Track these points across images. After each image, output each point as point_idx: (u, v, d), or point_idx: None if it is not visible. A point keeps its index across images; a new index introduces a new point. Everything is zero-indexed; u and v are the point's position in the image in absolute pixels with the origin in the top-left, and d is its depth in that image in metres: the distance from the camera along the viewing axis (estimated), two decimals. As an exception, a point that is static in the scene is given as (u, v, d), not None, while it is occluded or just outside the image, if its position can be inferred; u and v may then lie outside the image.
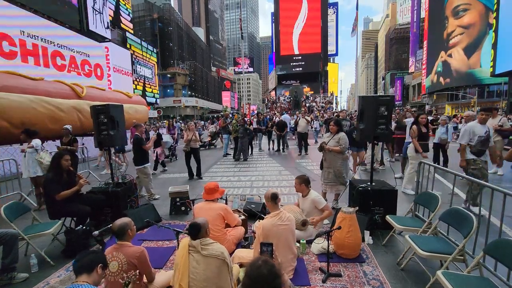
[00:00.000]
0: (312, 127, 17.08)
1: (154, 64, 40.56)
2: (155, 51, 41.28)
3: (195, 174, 7.16)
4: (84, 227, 3.39)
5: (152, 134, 9.26)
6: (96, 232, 2.59)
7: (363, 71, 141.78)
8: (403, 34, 68.32)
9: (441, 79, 39.82)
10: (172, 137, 10.86)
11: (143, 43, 37.81)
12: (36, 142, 5.27)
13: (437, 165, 3.95)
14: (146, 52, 38.27)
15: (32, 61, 13.47)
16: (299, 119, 10.93)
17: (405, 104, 52.93)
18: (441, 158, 7.04)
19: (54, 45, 15.23)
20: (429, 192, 3.29)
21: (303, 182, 3.56)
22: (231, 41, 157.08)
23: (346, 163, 4.53)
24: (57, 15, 18.33)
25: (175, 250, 3.28)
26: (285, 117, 13.59)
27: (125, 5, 33.66)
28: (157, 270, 2.82)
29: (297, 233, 3.10)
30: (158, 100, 42.47)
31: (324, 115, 20.04)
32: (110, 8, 29.31)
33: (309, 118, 11.88)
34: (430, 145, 5.96)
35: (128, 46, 32.37)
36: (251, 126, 10.74)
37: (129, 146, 9.00)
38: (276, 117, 15.26)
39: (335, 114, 16.87)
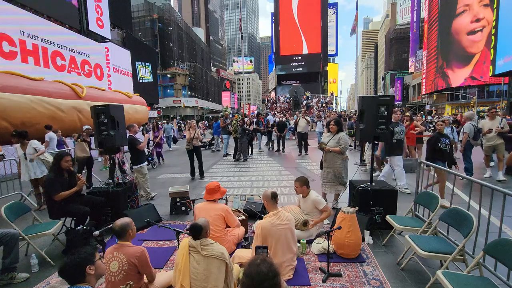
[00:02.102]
0: (312, 129, 16.83)
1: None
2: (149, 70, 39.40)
3: (197, 174, 7.19)
4: (84, 227, 3.40)
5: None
6: (97, 232, 2.59)
7: (363, 71, 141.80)
8: (403, 34, 68.30)
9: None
10: (153, 140, 9.54)
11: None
12: (35, 143, 5.22)
13: (437, 165, 3.95)
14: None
15: (32, 61, 13.47)
16: (299, 119, 10.93)
17: (404, 104, 52.94)
18: None
19: (54, 45, 15.23)
20: (429, 192, 3.30)
21: (304, 184, 3.56)
22: (231, 41, 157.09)
23: (345, 163, 4.54)
24: (57, 15, 18.33)
25: (176, 250, 3.29)
26: (269, 118, 13.50)
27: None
28: (157, 270, 2.83)
29: (297, 233, 3.10)
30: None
31: (322, 115, 19.92)
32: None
33: (308, 118, 11.84)
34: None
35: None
36: (251, 126, 10.75)
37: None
38: (276, 117, 15.24)
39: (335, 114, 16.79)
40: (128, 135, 5.55)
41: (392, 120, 5.28)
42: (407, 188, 5.32)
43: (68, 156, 3.66)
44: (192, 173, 7.17)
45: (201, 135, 7.31)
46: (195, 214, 3.19)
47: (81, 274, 1.69)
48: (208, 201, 3.22)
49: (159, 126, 11.82)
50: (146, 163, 5.60)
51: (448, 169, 3.82)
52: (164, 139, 12.91)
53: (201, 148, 7.71)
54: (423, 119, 17.33)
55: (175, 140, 15.01)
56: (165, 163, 10.04)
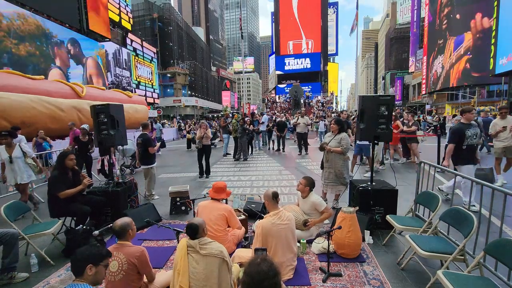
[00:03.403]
0: (311, 129, 16.63)
1: (152, 68, 40.73)
2: (154, 59, 41.16)
3: (204, 172, 7.29)
4: (84, 227, 3.39)
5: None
6: (96, 232, 2.59)
7: (363, 70, 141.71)
8: (403, 34, 68.28)
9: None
10: None
11: (145, 52, 38.00)
12: (25, 146, 4.91)
13: (437, 165, 3.94)
14: (145, 59, 38.53)
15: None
16: (298, 119, 10.87)
17: (404, 104, 52.91)
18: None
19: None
20: (430, 191, 3.29)
21: (309, 185, 3.54)
22: (231, 41, 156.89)
23: (347, 163, 4.53)
24: (57, 14, 18.33)
25: (175, 250, 3.28)
26: (265, 117, 13.48)
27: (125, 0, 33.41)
28: (157, 269, 2.83)
29: (297, 233, 3.10)
30: (157, 91, 42.35)
31: (322, 114, 19.88)
32: (112, 9, 29.22)
33: (308, 119, 11.79)
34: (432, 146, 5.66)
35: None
36: (251, 126, 10.75)
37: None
38: (276, 117, 15.21)
39: (336, 113, 16.73)
40: (142, 133, 5.57)
41: (464, 121, 4.33)
42: (474, 205, 3.87)
43: (72, 154, 3.68)
44: (201, 172, 7.28)
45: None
46: (198, 212, 3.18)
47: (81, 269, 1.70)
48: (212, 200, 3.22)
49: (154, 126, 11.38)
50: (155, 164, 5.58)
51: (449, 170, 3.82)
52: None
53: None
54: (420, 118, 17.23)
55: (162, 145, 12.54)
56: (165, 163, 10.02)
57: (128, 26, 33.92)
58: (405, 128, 7.94)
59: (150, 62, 39.84)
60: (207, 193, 3.47)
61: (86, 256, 1.74)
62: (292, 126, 13.60)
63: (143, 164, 5.48)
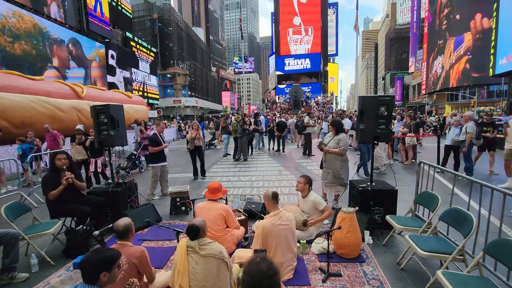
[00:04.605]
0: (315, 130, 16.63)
1: (152, 59, 40.74)
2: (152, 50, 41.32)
3: (199, 173, 7.28)
4: (84, 227, 3.39)
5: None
6: (97, 232, 2.59)
7: (363, 71, 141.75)
8: (403, 34, 68.25)
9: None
10: (139, 142, 8.70)
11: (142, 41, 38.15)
12: None
13: (437, 165, 3.95)
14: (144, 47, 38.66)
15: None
16: (308, 120, 10.78)
17: (404, 104, 52.91)
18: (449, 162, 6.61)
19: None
20: (429, 192, 3.30)
21: (308, 183, 3.55)
22: (231, 41, 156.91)
23: (345, 164, 4.53)
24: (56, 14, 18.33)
25: (175, 250, 3.28)
26: (262, 118, 13.43)
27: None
28: (157, 270, 2.83)
29: (297, 233, 3.10)
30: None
31: (322, 115, 19.87)
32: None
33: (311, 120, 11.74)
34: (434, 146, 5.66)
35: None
36: (251, 126, 10.75)
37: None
38: (276, 117, 15.22)
39: (333, 114, 16.72)
40: (152, 132, 5.58)
41: None
42: None
43: (61, 154, 3.59)
44: (195, 173, 7.24)
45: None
46: (196, 213, 3.19)
47: (95, 277, 1.64)
48: (209, 201, 3.22)
49: (148, 127, 11.15)
50: (159, 164, 5.49)
51: (449, 170, 3.82)
52: None
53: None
54: (421, 118, 17.16)
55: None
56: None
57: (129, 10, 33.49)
58: (400, 129, 8.05)
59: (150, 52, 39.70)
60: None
61: (100, 265, 1.65)
62: (289, 127, 13.55)
63: (149, 163, 5.60)
